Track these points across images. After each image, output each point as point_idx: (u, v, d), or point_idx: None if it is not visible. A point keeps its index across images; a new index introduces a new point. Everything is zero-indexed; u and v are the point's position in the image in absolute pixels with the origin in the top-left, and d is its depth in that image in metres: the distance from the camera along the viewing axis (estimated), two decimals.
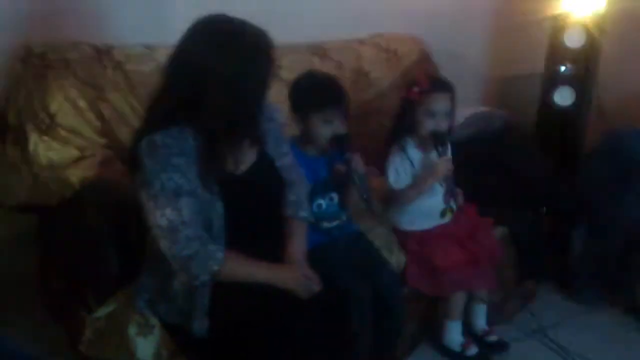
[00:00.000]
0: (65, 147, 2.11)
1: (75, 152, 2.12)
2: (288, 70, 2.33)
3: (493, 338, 2.36)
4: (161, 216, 1.56)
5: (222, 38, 1.58)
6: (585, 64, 2.93)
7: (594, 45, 2.89)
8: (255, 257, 1.67)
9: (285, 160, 1.86)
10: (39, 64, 2.17)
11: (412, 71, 2.98)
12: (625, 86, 3.09)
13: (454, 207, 2.29)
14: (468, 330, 2.37)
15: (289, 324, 1.64)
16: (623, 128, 2.82)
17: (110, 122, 2.24)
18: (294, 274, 1.72)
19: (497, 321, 2.47)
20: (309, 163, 2.02)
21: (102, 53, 2.30)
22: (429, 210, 2.26)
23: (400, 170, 2.22)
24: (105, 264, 1.85)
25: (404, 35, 3.12)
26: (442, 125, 2.18)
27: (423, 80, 2.21)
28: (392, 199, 2.26)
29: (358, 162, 1.98)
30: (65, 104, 2.14)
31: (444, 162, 2.17)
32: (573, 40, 2.91)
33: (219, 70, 1.56)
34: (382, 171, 2.25)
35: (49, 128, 2.10)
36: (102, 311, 1.78)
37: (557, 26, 2.93)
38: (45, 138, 2.09)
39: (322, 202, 2.07)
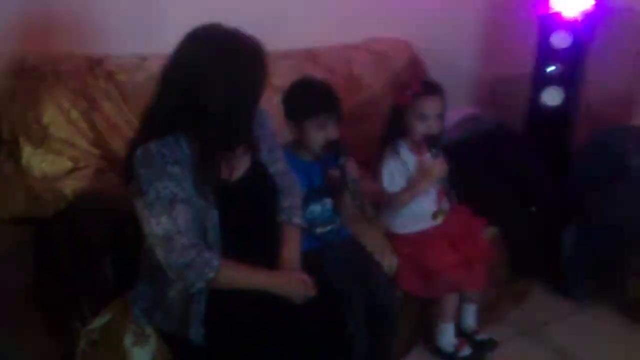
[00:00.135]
0: (58, 158, 2.12)
1: (68, 164, 2.13)
2: (278, 77, 2.33)
3: (483, 336, 2.37)
4: (157, 225, 1.57)
5: (217, 47, 1.60)
6: (574, 64, 2.96)
7: (582, 46, 2.92)
8: (250, 264, 1.68)
9: (279, 166, 1.88)
10: (31, 75, 2.17)
11: (403, 75, 2.99)
12: (612, 85, 3.11)
13: (446, 208, 2.31)
14: (458, 330, 2.38)
15: (285, 330, 1.66)
16: (612, 126, 2.84)
17: (103, 133, 2.25)
18: (289, 280, 1.73)
19: (489, 320, 2.48)
20: (303, 168, 2.03)
21: (94, 64, 2.30)
22: (420, 212, 2.27)
23: (394, 174, 2.23)
24: (100, 274, 1.85)
25: (394, 39, 3.13)
26: (434, 127, 2.20)
27: (413, 84, 2.24)
28: (386, 203, 2.27)
29: (352, 167, 2.00)
30: (58, 115, 2.15)
31: (438, 165, 2.18)
32: (561, 40, 2.94)
33: (215, 78, 1.57)
34: (375, 175, 2.26)
35: (42, 140, 2.11)
36: (97, 322, 1.77)
37: (545, 27, 2.96)
38: (39, 150, 2.09)
39: (316, 207, 2.08)
